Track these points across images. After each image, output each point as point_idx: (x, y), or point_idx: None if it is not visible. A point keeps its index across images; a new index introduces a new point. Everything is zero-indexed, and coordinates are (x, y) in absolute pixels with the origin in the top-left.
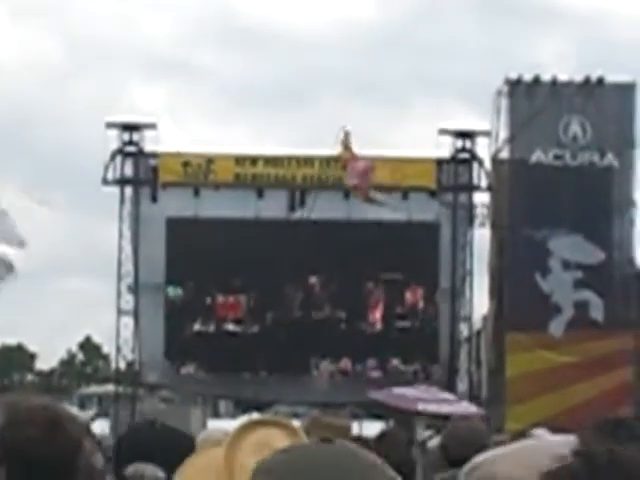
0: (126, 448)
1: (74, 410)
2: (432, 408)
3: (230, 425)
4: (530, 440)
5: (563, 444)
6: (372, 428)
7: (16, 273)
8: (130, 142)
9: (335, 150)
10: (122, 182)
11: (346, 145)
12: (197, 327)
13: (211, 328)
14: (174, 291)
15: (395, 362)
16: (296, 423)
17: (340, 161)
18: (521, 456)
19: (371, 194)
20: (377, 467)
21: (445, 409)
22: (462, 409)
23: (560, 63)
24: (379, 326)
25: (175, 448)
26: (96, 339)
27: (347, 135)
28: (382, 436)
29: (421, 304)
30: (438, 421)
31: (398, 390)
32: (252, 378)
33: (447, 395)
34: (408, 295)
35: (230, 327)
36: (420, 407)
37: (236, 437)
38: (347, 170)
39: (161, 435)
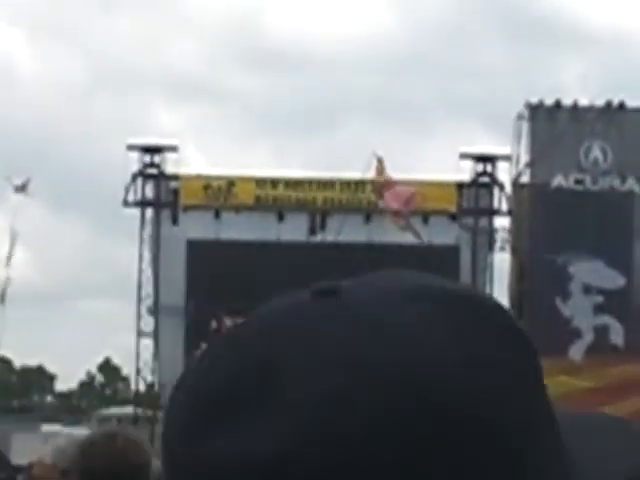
0: None
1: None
2: None
3: None
4: None
5: None
6: None
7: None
8: (151, 164)
9: (363, 173)
10: (143, 204)
11: (380, 170)
12: None
13: None
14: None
15: None
16: None
17: (372, 185)
18: None
19: (411, 222)
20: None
21: None
22: None
23: (582, 87)
24: None
25: None
26: (116, 361)
27: (380, 161)
28: None
29: None
30: None
31: None
32: None
33: None
34: None
35: None
36: None
37: None
38: (384, 195)
39: None
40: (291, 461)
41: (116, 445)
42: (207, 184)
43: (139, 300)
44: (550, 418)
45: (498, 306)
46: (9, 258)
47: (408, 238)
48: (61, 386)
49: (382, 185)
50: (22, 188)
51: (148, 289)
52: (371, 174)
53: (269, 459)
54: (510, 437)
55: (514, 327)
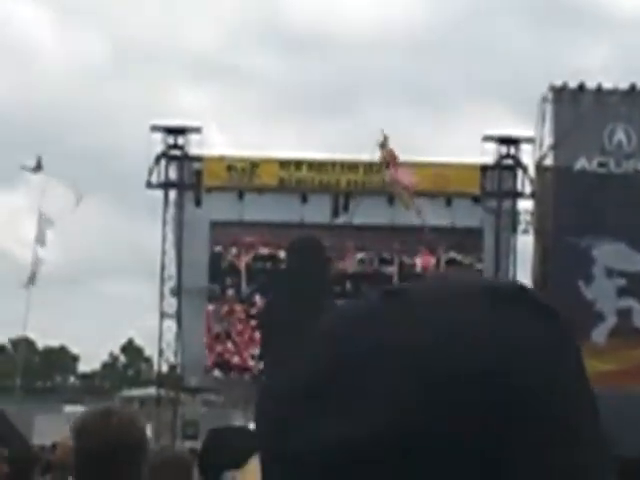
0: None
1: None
2: None
3: None
4: None
5: None
6: None
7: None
8: (175, 146)
9: (371, 154)
10: (166, 186)
11: (384, 146)
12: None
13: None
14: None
15: None
16: None
17: (381, 163)
18: None
19: (416, 203)
20: None
21: None
22: None
23: (605, 70)
24: None
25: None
26: (138, 342)
27: (386, 138)
28: None
29: None
30: None
31: None
32: None
33: None
34: None
35: None
36: None
37: None
38: (393, 169)
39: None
40: (386, 444)
41: (110, 423)
42: (230, 165)
43: (162, 281)
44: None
45: (546, 302)
46: (40, 240)
47: (432, 220)
48: (84, 367)
49: (389, 159)
50: (37, 168)
51: (171, 270)
52: (377, 153)
53: (365, 442)
54: (568, 417)
55: (559, 320)
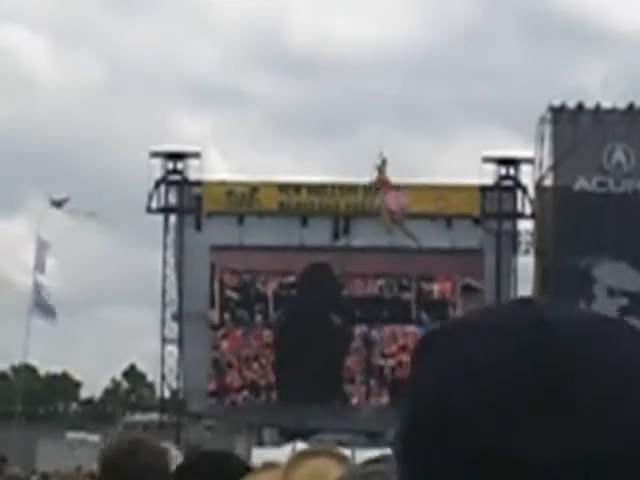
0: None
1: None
2: None
3: (274, 454)
4: None
5: None
6: None
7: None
8: (174, 171)
9: (370, 176)
10: (166, 210)
11: (380, 170)
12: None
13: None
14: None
15: None
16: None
17: (373, 186)
18: None
19: (405, 225)
20: None
21: None
22: None
23: (604, 90)
24: None
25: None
26: (141, 367)
27: (384, 162)
28: None
29: None
30: None
31: None
32: (296, 406)
33: None
34: None
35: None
36: None
37: (290, 467)
38: (384, 193)
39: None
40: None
41: (137, 459)
42: (230, 190)
43: (163, 306)
44: None
45: None
46: (40, 267)
47: (429, 242)
48: (86, 393)
49: (382, 183)
50: (58, 204)
51: (172, 295)
52: (374, 174)
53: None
54: None
55: None
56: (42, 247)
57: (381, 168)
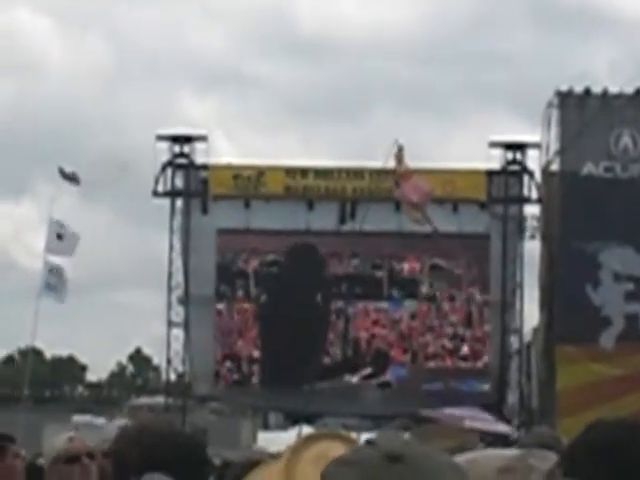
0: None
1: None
2: (478, 425)
3: (279, 437)
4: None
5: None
6: None
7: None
8: (181, 154)
9: (385, 162)
10: (173, 194)
11: (399, 159)
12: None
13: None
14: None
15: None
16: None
17: (393, 174)
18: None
19: (426, 212)
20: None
21: (487, 426)
22: (500, 428)
23: (611, 75)
24: (429, 337)
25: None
26: (146, 351)
27: (401, 149)
28: None
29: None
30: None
31: (448, 410)
32: (302, 389)
33: (487, 415)
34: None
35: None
36: (467, 424)
37: (296, 450)
38: (402, 185)
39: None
40: None
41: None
42: (237, 174)
43: (169, 290)
44: None
45: None
46: (50, 249)
47: (438, 226)
48: (92, 377)
49: (400, 175)
50: (71, 178)
51: (178, 279)
52: (391, 163)
53: None
54: None
55: None
56: (55, 227)
57: (399, 156)
